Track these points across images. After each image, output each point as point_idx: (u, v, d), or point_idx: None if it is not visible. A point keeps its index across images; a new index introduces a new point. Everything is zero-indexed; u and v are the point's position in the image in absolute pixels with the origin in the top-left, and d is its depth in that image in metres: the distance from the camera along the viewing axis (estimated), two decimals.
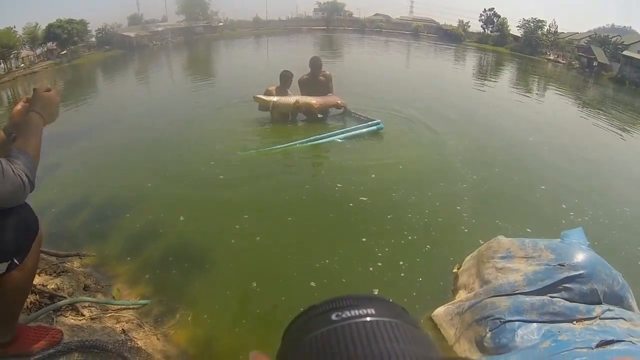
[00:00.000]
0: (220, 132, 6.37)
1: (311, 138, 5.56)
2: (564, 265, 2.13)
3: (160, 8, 64.71)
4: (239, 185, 4.34)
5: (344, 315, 0.33)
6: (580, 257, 2.17)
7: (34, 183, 1.43)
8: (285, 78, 6.52)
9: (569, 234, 2.45)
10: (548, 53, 43.57)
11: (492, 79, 18.34)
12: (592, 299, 2.08)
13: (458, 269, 2.87)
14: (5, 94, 23.46)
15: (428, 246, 3.25)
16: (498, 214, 3.81)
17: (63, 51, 38.07)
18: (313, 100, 6.49)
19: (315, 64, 6.64)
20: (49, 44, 38.35)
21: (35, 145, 1.52)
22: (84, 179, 4.77)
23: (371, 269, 2.99)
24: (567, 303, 2.05)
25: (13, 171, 1.34)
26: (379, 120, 6.06)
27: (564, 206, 4.20)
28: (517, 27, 47.46)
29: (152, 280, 2.97)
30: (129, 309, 2.64)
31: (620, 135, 8.39)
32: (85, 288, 2.94)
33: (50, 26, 38.14)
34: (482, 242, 2.83)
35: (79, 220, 3.84)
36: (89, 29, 41.53)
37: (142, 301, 2.72)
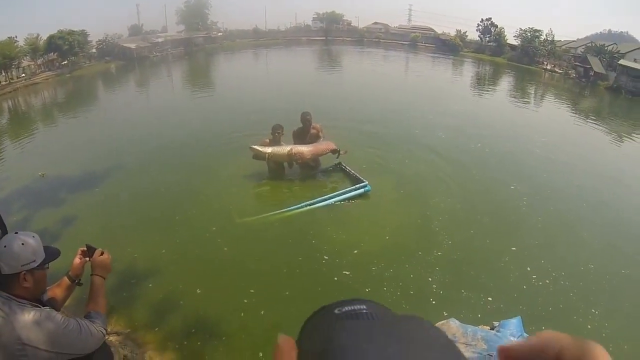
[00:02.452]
0: (219, 186, 7.02)
1: (303, 204, 6.02)
2: (491, 356, 2.63)
3: (160, 18, 65.19)
4: (243, 260, 4.91)
5: (344, 309, 0.44)
6: None
7: (107, 330, 2.09)
8: (276, 131, 7.06)
9: (507, 324, 2.94)
10: (545, 63, 43.89)
11: (488, 98, 18.98)
12: None
13: None
14: (7, 104, 24.03)
15: None
16: (465, 284, 4.40)
17: (64, 62, 38.37)
18: (305, 149, 7.00)
19: (305, 119, 7.24)
20: (50, 55, 38.65)
21: (103, 304, 2.15)
22: (100, 237, 5.26)
23: None
24: None
25: (96, 329, 1.96)
26: (366, 183, 6.41)
27: (529, 269, 4.77)
28: (514, 36, 47.81)
29: (180, 350, 3.62)
30: None
31: (613, 179, 8.51)
32: (125, 358, 3.59)
33: (51, 37, 38.28)
34: (445, 314, 3.41)
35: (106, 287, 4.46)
36: (89, 39, 41.68)
37: None
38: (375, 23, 62.86)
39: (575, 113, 17.71)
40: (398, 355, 0.35)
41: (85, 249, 2.28)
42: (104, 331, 2.02)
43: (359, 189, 6.30)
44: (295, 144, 7.25)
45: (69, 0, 69.66)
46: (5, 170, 9.13)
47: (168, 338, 3.76)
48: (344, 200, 6.16)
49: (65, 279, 2.26)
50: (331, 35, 58.75)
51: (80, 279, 2.30)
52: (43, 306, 1.86)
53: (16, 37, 36.60)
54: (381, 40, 55.92)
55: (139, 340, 3.80)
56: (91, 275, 2.20)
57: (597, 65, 38.64)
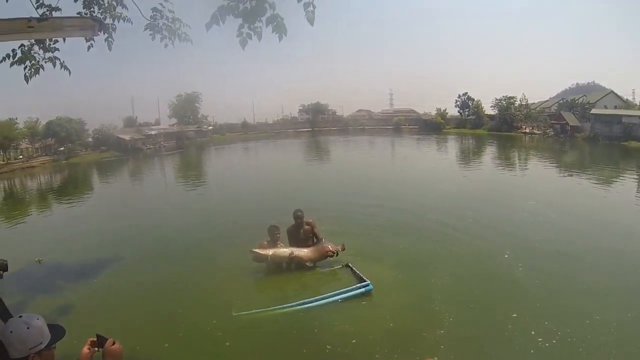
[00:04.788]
0: (218, 278, 7.00)
1: (301, 302, 5.88)
2: None
3: (153, 111, 68.28)
4: (246, 355, 4.83)
5: None
6: None
7: None
8: (273, 232, 7.27)
9: None
10: (523, 127, 45.92)
11: (474, 172, 19.56)
12: None
13: None
14: (2, 184, 24.13)
15: None
16: (472, 359, 4.36)
17: (61, 148, 39.25)
18: (305, 255, 7.17)
19: (297, 216, 7.48)
20: (48, 140, 39.58)
21: None
22: (100, 329, 5.13)
23: None
24: None
25: None
26: (369, 282, 6.14)
27: (533, 333, 4.70)
28: (491, 107, 50.49)
29: None
30: None
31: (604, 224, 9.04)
32: None
33: (49, 123, 39.54)
34: None
35: None
36: (86, 128, 43.26)
37: None
38: (359, 110, 66.04)
39: (559, 169, 18.42)
40: None
41: (94, 339, 2.28)
42: None
43: (360, 288, 6.12)
44: (290, 241, 7.46)
45: (69, 88, 72.64)
46: (0, 253, 9.06)
47: None
48: (344, 299, 5.98)
49: None
50: (317, 126, 61.61)
51: None
52: None
53: (16, 118, 37.70)
54: (365, 127, 58.59)
55: None
56: None
57: (571, 120, 40.43)
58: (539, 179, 16.53)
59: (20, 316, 1.93)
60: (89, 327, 4.32)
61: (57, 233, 11.06)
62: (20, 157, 36.29)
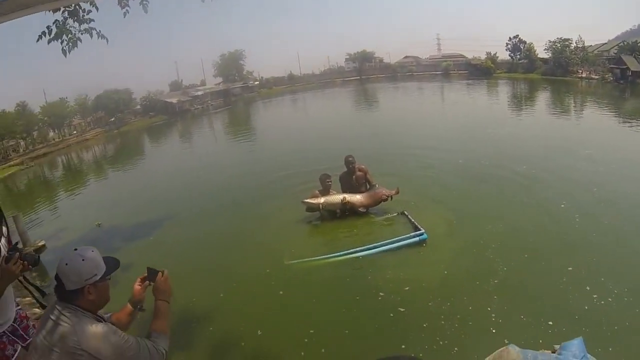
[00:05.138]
0: (271, 229, 7.22)
1: (354, 250, 5.92)
2: None
3: (198, 72, 69.12)
4: (300, 302, 5.02)
5: None
6: None
7: (167, 351, 2.05)
8: (325, 180, 7.33)
9: (568, 345, 2.76)
10: (580, 71, 42.72)
11: (527, 118, 18.62)
12: None
13: None
14: (61, 159, 25.79)
15: (456, 348, 3.85)
16: (524, 309, 4.29)
17: (111, 119, 41.17)
18: (358, 200, 7.14)
19: (348, 162, 7.47)
20: (98, 113, 41.63)
21: (165, 325, 2.15)
22: None
23: None
24: None
25: (156, 348, 1.97)
26: (423, 231, 6.05)
27: (588, 288, 4.58)
28: (544, 50, 46.99)
29: None
30: None
31: None
32: None
33: (98, 97, 41.54)
34: (506, 342, 3.30)
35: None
36: (133, 97, 44.86)
37: None
38: (407, 57, 63.42)
39: (619, 118, 17.06)
40: None
41: (145, 275, 2.31)
42: (164, 351, 2.02)
43: (415, 236, 6.03)
44: (342, 188, 7.50)
45: (112, 64, 74.91)
46: (63, 221, 9.85)
47: None
48: (398, 248, 5.96)
49: (128, 305, 2.31)
50: (365, 74, 60.07)
51: (142, 305, 2.33)
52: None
53: (66, 98, 39.94)
54: (414, 73, 56.46)
55: None
56: (155, 300, 2.21)
57: (633, 64, 37.09)
58: (596, 127, 15.49)
59: (75, 249, 1.95)
60: None
61: (114, 197, 11.75)
62: (75, 132, 38.49)
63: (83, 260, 1.89)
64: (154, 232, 7.80)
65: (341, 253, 5.90)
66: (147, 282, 2.30)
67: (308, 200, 7.12)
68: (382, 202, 7.23)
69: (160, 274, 2.28)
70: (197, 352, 4.25)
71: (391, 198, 7.17)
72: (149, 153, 22.78)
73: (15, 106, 34.87)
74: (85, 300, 1.89)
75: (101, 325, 1.86)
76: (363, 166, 7.56)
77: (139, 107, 45.13)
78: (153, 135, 30.98)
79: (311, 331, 4.32)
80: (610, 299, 4.37)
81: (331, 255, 5.88)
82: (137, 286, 2.30)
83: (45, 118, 37.31)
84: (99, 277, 1.93)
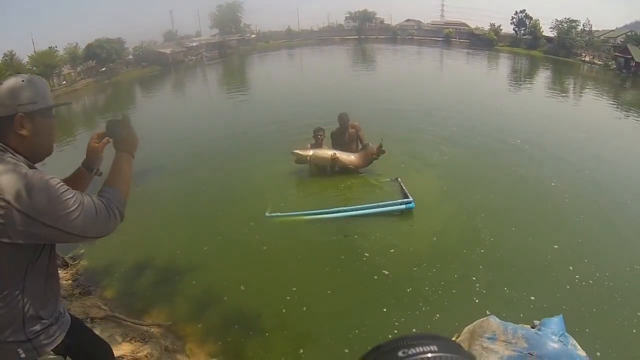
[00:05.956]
0: (258, 183, 7.11)
1: (338, 209, 5.86)
2: (532, 355, 2.57)
3: (193, 23, 66.75)
4: (284, 258, 4.98)
5: (410, 352, 0.37)
6: (548, 348, 2.61)
7: (124, 214, 1.56)
8: (317, 134, 7.19)
9: (548, 322, 2.84)
10: (583, 54, 42.15)
11: (525, 94, 18.54)
12: None
13: (457, 338, 3.25)
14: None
15: (438, 315, 3.86)
16: (508, 282, 4.31)
17: (102, 69, 39.93)
18: (348, 159, 7.03)
19: (342, 119, 7.31)
20: (89, 62, 40.30)
21: (125, 182, 1.64)
22: (143, 235, 5.35)
23: (390, 336, 3.58)
24: None
25: (107, 207, 1.46)
26: (411, 200, 5.94)
27: (571, 268, 4.60)
28: (549, 28, 46.05)
29: (221, 344, 3.69)
30: None
31: None
32: (166, 349, 3.70)
33: (89, 46, 39.98)
34: (488, 313, 3.33)
35: (147, 281, 4.66)
36: (126, 47, 43.30)
37: None
38: (408, 20, 61.90)
39: (617, 106, 16.96)
40: None
41: (103, 131, 1.78)
42: (118, 212, 1.51)
43: (402, 204, 5.94)
44: (334, 144, 7.35)
45: (104, 14, 72.06)
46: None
47: (209, 332, 3.85)
48: (383, 212, 5.89)
49: (82, 168, 1.85)
50: (364, 34, 58.44)
51: (99, 168, 1.87)
52: None
53: (56, 46, 38.46)
54: (414, 37, 55.26)
55: (180, 333, 3.91)
56: (116, 153, 1.68)
57: (638, 55, 36.74)
58: (593, 112, 15.37)
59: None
60: (130, 229, 4.49)
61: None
62: (64, 82, 37.17)
63: (23, 81, 1.44)
64: (140, 184, 7.65)
65: (326, 210, 5.84)
66: (107, 138, 1.78)
67: (297, 151, 7.02)
68: (375, 161, 7.17)
69: (122, 123, 1.74)
70: (180, 305, 4.21)
71: (379, 156, 7.06)
72: (140, 104, 22.22)
73: (3, 56, 33.50)
74: (15, 136, 1.42)
75: (33, 170, 1.38)
76: (356, 123, 7.42)
77: (131, 57, 43.70)
78: (145, 86, 30.22)
79: (294, 289, 4.30)
80: (591, 282, 4.40)
81: (312, 212, 5.82)
82: (93, 143, 1.81)
83: (34, 68, 36.01)
84: (39, 106, 1.46)
